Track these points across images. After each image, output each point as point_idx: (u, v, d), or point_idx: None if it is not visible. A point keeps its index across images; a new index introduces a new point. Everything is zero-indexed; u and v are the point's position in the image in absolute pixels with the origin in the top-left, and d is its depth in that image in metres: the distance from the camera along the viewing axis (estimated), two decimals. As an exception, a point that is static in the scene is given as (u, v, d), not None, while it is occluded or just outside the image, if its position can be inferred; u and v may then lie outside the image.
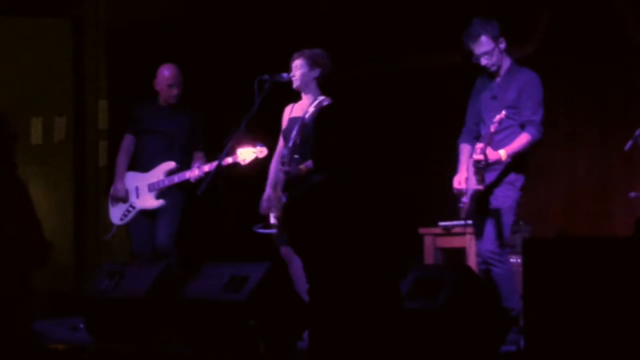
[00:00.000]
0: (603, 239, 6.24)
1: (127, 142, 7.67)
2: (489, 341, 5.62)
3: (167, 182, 7.42)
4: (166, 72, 7.57)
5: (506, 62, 6.55)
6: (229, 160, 6.96)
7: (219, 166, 6.86)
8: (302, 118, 6.64)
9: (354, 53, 8.57)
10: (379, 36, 8.76)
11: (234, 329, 5.97)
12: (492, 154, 6.33)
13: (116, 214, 7.61)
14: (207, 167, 7.18)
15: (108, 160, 8.83)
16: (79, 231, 9.11)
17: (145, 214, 7.51)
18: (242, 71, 7.69)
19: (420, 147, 8.60)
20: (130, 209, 7.55)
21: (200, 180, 7.12)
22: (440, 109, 8.31)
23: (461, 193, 6.53)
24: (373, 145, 4.12)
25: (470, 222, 6.63)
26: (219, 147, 6.93)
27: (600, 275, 4.55)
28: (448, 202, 6.84)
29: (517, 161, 6.44)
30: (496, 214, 6.43)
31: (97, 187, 9.05)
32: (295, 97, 6.82)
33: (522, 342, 5.29)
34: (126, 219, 7.57)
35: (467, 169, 6.53)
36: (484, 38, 6.46)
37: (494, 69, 6.52)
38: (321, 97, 6.69)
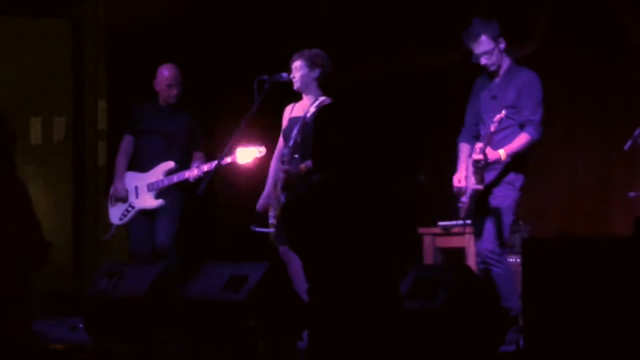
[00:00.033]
0: (602, 238, 6.24)
1: (126, 142, 7.66)
2: (488, 341, 5.61)
3: (166, 182, 7.42)
4: (166, 72, 7.57)
5: (506, 62, 6.56)
6: (228, 160, 6.96)
7: (218, 166, 6.86)
8: (304, 117, 6.64)
9: (354, 53, 8.57)
10: (379, 36, 8.75)
11: (234, 328, 5.96)
12: (492, 154, 6.33)
13: (115, 214, 7.61)
14: (206, 167, 7.18)
15: (107, 160, 8.82)
16: (78, 231, 9.11)
17: (145, 213, 7.51)
18: (242, 71, 7.69)
19: (420, 147, 8.60)
20: (130, 208, 7.54)
21: (199, 180, 7.12)
22: (440, 109, 8.30)
23: (461, 191, 6.53)
24: (373, 145, 4.12)
25: (469, 222, 6.62)
26: (218, 147, 6.93)
27: (599, 275, 4.56)
28: (447, 202, 6.84)
29: (516, 161, 6.45)
30: (495, 214, 6.43)
31: (97, 187, 9.05)
32: (294, 97, 6.82)
33: (521, 342, 5.29)
34: (125, 219, 7.57)
35: (466, 168, 6.53)
36: (483, 38, 6.46)
37: (493, 68, 6.53)
38: (322, 98, 6.69)
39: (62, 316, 7.86)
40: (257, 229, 6.73)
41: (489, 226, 6.45)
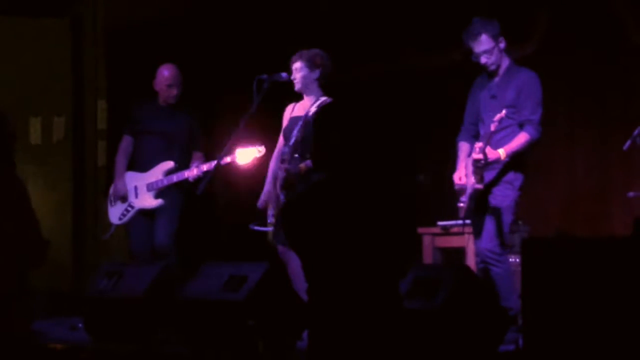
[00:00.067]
0: (602, 238, 6.25)
1: (125, 143, 7.67)
2: (487, 340, 5.61)
3: (165, 182, 7.42)
4: (166, 72, 7.57)
5: (505, 62, 6.57)
6: (228, 159, 6.96)
7: (217, 166, 6.86)
8: (305, 116, 6.64)
9: (354, 53, 8.56)
10: (379, 36, 8.75)
11: (233, 328, 5.96)
12: (492, 153, 6.33)
13: (115, 213, 7.61)
14: (205, 167, 7.18)
15: (107, 160, 8.82)
16: (77, 231, 9.11)
17: (144, 213, 7.51)
18: (241, 71, 7.69)
19: (420, 147, 8.60)
20: (129, 208, 7.54)
21: (199, 179, 7.12)
22: (440, 108, 8.30)
23: (462, 189, 6.53)
24: (373, 144, 4.12)
25: (469, 221, 6.62)
26: (218, 147, 6.93)
27: (598, 275, 4.56)
28: (447, 201, 6.84)
29: (516, 160, 6.45)
30: (495, 213, 6.44)
31: (96, 187, 9.05)
32: (293, 96, 6.82)
33: (520, 342, 5.29)
34: (125, 219, 7.57)
35: (466, 167, 6.54)
36: (484, 37, 6.47)
37: (493, 67, 6.53)
38: (323, 98, 6.69)
39: (61, 316, 7.86)
40: (256, 228, 6.73)
41: (488, 225, 6.45)
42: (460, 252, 7.70)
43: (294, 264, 6.15)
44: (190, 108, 7.63)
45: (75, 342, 6.64)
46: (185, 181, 7.33)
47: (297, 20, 8.79)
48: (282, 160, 6.66)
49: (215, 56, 9.10)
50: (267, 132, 7.07)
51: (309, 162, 6.46)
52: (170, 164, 7.45)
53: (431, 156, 8.43)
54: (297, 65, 6.70)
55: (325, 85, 6.74)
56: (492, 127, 6.32)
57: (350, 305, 4.02)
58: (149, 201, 7.48)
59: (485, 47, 6.47)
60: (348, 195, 4.09)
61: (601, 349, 4.50)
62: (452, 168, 6.70)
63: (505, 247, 6.49)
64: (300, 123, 6.63)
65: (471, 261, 7.24)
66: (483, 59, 6.50)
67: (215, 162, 6.90)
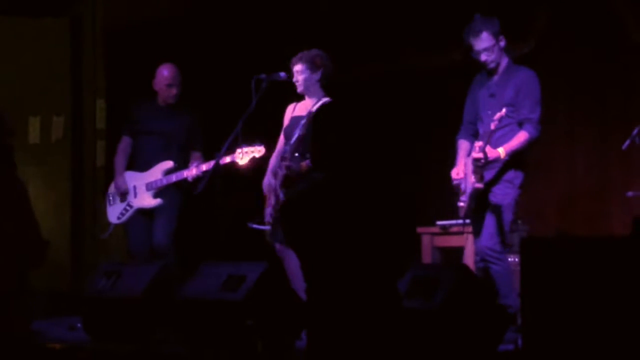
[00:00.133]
0: (601, 238, 6.25)
1: (124, 143, 7.67)
2: (486, 340, 5.61)
3: (164, 182, 7.42)
4: (165, 72, 7.57)
5: (504, 61, 6.57)
6: (227, 159, 6.96)
7: (216, 165, 6.86)
8: (307, 116, 6.62)
9: (354, 53, 8.56)
10: (379, 36, 8.75)
11: (232, 328, 5.96)
12: (492, 152, 6.33)
13: (113, 213, 7.60)
14: (205, 167, 7.18)
15: (106, 159, 8.82)
16: (76, 230, 9.10)
17: (143, 213, 7.51)
18: (241, 71, 7.68)
19: (420, 146, 8.59)
20: (128, 208, 7.54)
21: (198, 179, 7.12)
22: (440, 108, 8.29)
23: (459, 185, 6.53)
24: (372, 144, 4.11)
25: (468, 221, 6.62)
26: (217, 146, 6.92)
27: (597, 274, 4.55)
28: (446, 201, 6.83)
29: (515, 159, 6.45)
30: (495, 212, 6.43)
31: (95, 186, 9.04)
32: (293, 96, 6.81)
33: (519, 341, 5.28)
34: (123, 218, 7.56)
35: (465, 166, 6.53)
36: (485, 34, 6.48)
37: (492, 65, 6.54)
38: (325, 99, 6.68)
39: (60, 316, 7.86)
40: (254, 226, 6.72)
41: (488, 224, 6.45)
42: (459, 251, 7.70)
43: (291, 262, 6.15)
44: (190, 108, 7.63)
45: (74, 341, 6.64)
46: (184, 181, 7.33)
47: (297, 20, 8.79)
48: (283, 159, 6.65)
49: (215, 56, 9.09)
50: (266, 131, 7.06)
51: (309, 161, 6.45)
52: (169, 164, 7.45)
53: (431, 156, 8.42)
54: (297, 67, 6.69)
55: (327, 86, 6.73)
56: (492, 126, 6.32)
57: (349, 304, 4.01)
58: (147, 201, 7.48)
59: (485, 44, 6.48)
60: (347, 195, 4.09)
61: (600, 348, 4.50)
62: (452, 167, 6.69)
63: (505, 245, 6.49)
64: (302, 122, 6.62)
65: (469, 260, 7.24)
66: (483, 57, 6.51)
67: (215, 161, 6.89)
